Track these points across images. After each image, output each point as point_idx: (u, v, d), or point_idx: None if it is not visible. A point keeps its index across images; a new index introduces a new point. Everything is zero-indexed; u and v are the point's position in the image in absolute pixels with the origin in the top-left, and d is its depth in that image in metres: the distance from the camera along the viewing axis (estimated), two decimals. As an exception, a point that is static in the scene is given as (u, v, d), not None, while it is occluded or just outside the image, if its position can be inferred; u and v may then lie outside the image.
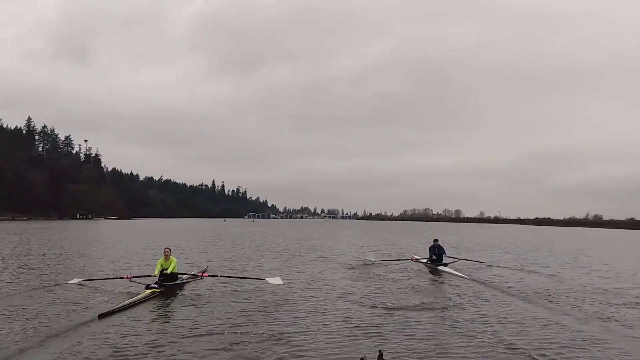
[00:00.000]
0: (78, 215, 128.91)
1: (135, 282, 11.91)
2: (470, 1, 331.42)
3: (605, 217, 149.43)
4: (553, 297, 11.80)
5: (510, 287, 13.51)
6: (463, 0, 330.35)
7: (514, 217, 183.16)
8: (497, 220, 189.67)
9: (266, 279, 12.77)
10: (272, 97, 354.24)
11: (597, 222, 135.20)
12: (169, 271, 11.85)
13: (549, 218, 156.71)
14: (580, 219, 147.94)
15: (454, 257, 18.60)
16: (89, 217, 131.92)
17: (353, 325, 8.67)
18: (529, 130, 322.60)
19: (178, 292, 11.89)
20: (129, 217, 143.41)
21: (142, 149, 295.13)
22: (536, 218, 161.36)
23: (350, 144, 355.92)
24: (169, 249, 12.33)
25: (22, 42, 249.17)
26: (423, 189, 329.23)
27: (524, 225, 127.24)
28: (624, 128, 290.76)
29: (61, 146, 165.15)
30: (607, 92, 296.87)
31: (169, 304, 10.53)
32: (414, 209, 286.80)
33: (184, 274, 13.11)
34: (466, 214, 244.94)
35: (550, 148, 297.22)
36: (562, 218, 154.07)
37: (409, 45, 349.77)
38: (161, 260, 12.13)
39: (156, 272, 11.79)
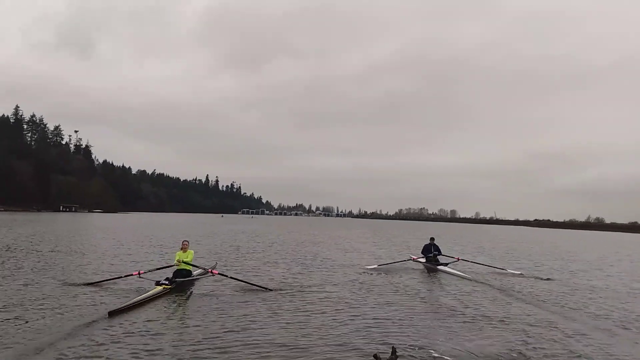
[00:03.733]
0: (61, 207, 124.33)
1: (145, 278, 11.86)
2: (478, 1, 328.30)
3: (605, 220, 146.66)
4: (555, 300, 11.82)
5: (513, 289, 13.35)
6: (471, 0, 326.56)
7: (511, 219, 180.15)
8: (492, 221, 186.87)
9: (272, 290, 12.26)
10: (276, 93, 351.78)
11: (599, 225, 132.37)
12: (187, 260, 12.24)
13: (549, 220, 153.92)
14: (581, 222, 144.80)
15: (452, 257, 18.32)
16: (73, 209, 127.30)
17: (362, 324, 8.67)
18: (528, 131, 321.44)
19: (188, 289, 11.77)
20: (115, 211, 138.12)
21: (142, 143, 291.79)
22: (536, 220, 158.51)
23: (351, 141, 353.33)
24: (187, 242, 12.79)
25: (26, 34, 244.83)
26: (420, 188, 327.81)
27: (528, 227, 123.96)
28: (624, 129, 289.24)
29: (50, 136, 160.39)
30: (609, 93, 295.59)
31: (180, 302, 10.40)
32: (410, 208, 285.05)
33: (196, 266, 13.06)
34: (462, 214, 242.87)
35: (549, 149, 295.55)
36: (562, 220, 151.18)
37: (416, 45, 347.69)
38: (179, 252, 12.47)
39: (176, 261, 12.26)
